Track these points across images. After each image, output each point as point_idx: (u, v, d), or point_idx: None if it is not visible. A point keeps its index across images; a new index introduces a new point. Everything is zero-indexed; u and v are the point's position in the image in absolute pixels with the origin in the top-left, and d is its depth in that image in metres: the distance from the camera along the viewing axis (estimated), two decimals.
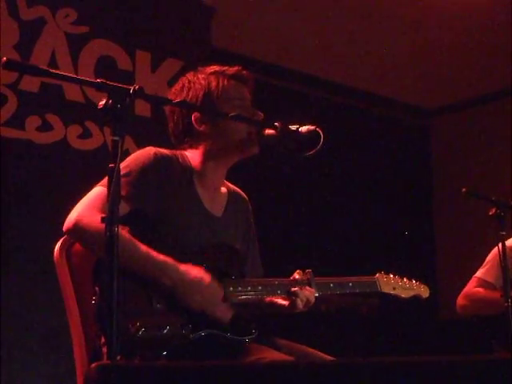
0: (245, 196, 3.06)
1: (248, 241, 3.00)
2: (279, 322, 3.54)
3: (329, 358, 2.73)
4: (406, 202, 7.52)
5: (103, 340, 2.41)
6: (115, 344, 1.98)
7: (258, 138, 2.80)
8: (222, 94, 2.82)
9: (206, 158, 2.83)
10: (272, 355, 2.51)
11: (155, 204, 2.66)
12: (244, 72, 2.91)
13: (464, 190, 3.71)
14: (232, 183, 3.03)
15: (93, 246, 2.51)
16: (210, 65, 2.94)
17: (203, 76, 2.87)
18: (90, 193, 2.62)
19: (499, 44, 6.25)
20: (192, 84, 2.86)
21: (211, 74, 2.87)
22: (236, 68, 2.91)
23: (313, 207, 6.72)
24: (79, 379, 2.59)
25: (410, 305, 3.22)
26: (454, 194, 4.15)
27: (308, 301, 2.81)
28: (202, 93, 2.82)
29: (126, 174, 2.61)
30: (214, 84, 2.83)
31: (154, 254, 2.54)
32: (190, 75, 2.90)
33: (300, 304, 2.78)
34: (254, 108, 2.87)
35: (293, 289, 2.79)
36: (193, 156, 2.85)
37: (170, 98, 2.78)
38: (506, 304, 3.56)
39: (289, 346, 2.72)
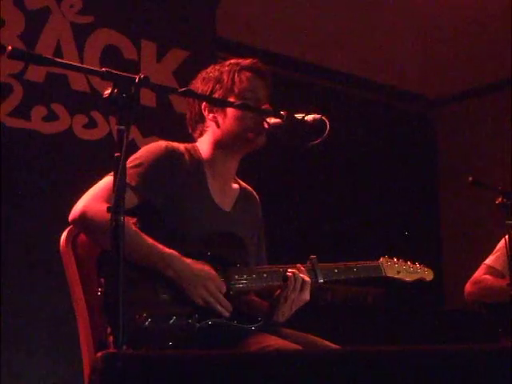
0: (256, 196, 3.06)
1: (256, 239, 2.97)
2: None
3: (334, 346, 2.74)
4: (412, 191, 7.50)
5: (109, 330, 2.42)
6: (121, 333, 1.97)
7: (265, 130, 2.79)
8: (232, 85, 2.82)
9: (215, 146, 2.86)
10: (278, 342, 2.51)
11: (165, 195, 2.68)
12: (259, 65, 2.90)
13: (470, 178, 3.70)
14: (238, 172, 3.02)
15: (98, 235, 2.52)
16: (218, 54, 2.93)
17: (218, 67, 2.89)
18: (99, 182, 2.63)
19: (505, 33, 6.22)
20: (207, 75, 2.88)
21: (226, 65, 2.88)
22: (250, 60, 2.90)
23: (317, 196, 6.71)
24: (86, 368, 2.60)
25: (416, 294, 3.19)
26: (460, 182, 4.13)
27: (304, 282, 2.76)
28: (212, 83, 2.84)
29: (137, 165, 2.64)
30: (225, 75, 2.84)
31: (160, 246, 2.55)
32: (210, 67, 2.92)
33: (294, 286, 2.73)
34: (270, 101, 2.85)
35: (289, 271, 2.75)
36: (202, 146, 2.87)
37: (191, 88, 2.76)
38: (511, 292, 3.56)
39: (294, 335, 2.72)
